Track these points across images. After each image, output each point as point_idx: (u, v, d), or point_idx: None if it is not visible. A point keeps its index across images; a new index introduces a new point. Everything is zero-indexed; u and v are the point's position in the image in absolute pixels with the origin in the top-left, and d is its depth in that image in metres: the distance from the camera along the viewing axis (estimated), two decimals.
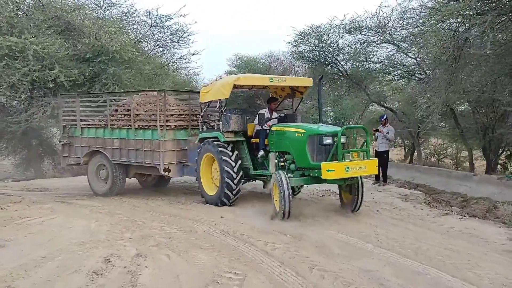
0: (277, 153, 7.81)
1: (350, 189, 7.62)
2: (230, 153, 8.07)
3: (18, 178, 15.75)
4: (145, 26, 17.54)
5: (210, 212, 7.76)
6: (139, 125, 9.43)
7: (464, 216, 7.68)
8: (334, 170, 6.63)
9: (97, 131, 10.23)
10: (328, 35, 15.98)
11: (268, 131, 8.07)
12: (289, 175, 7.12)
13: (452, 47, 8.79)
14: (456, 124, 14.40)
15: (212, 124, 8.80)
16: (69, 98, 11.31)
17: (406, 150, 21.30)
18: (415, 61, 14.42)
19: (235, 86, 8.07)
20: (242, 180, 8.21)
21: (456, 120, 14.08)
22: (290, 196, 6.76)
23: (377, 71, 15.62)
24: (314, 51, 16.49)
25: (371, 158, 7.24)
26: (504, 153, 15.04)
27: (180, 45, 18.56)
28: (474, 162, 15.98)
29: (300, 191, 9.40)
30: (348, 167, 6.70)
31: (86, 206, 8.48)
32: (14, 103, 14.72)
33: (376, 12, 14.80)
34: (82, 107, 10.61)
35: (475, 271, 4.82)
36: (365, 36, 14.96)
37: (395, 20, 13.75)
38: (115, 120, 9.90)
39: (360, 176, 7.25)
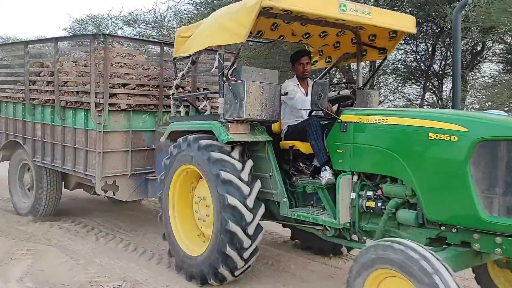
0: (358, 177, 3.77)
1: None
2: (240, 168, 4.02)
3: None
4: None
5: None
6: (67, 102, 5.83)
7: None
8: None
9: (16, 108, 6.76)
10: (106, 25, 16.89)
11: (332, 124, 3.94)
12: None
13: None
14: None
15: (200, 103, 5.14)
16: None
17: None
18: None
19: (264, 15, 3.93)
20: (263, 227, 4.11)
21: None
22: None
23: None
24: None
25: None
26: None
27: None
28: None
29: None
30: None
31: None
32: None
33: (152, 8, 16.56)
34: None
35: None
36: (144, 30, 16.46)
37: (170, 17, 15.71)
38: (36, 91, 6.33)
39: None
